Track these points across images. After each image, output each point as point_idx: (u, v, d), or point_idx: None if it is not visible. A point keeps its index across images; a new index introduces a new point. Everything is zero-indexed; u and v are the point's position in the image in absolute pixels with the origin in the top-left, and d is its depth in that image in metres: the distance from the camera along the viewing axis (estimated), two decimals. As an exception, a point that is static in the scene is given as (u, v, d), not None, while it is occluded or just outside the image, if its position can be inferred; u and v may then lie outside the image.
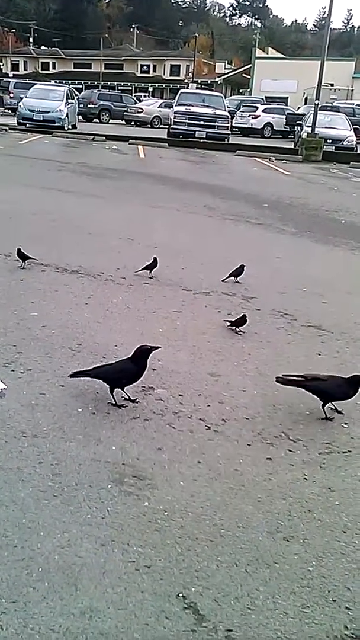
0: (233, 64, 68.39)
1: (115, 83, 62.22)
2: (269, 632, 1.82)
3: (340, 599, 1.97)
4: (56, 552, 2.04)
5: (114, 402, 3.05)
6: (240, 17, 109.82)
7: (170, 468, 2.57)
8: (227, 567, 2.06)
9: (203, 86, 48.94)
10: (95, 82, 58.75)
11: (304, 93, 34.93)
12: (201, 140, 19.84)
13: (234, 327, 4.20)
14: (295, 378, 3.20)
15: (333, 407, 3.14)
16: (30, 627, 1.76)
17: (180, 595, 1.93)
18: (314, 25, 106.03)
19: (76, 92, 27.74)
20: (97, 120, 31.77)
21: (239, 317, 4.18)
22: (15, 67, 69.04)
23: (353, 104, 30.52)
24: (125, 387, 3.11)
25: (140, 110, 32.56)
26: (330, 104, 26.44)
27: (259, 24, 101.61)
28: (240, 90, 54.84)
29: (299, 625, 1.86)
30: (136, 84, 64.29)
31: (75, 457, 2.57)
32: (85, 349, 3.67)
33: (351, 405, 3.27)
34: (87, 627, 1.78)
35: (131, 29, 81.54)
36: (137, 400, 3.11)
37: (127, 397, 3.11)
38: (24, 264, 5.17)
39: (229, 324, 4.22)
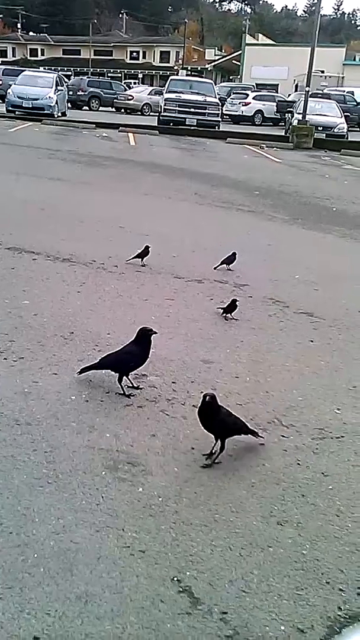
0: (223, 51, 67.67)
1: (105, 70, 61.64)
2: (264, 614, 1.84)
3: (333, 581, 1.99)
4: (51, 538, 2.05)
5: (122, 392, 3.02)
6: (230, 2, 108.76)
7: (164, 454, 2.58)
8: (222, 551, 2.08)
9: (193, 73, 48.54)
10: (85, 69, 58.16)
11: (295, 80, 34.66)
12: (192, 128, 19.69)
13: (225, 314, 4.20)
14: None
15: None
16: (27, 612, 1.77)
17: (175, 579, 1.94)
18: (304, 11, 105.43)
19: (65, 79, 27.39)
20: (87, 108, 31.42)
21: (229, 303, 4.18)
22: (3, 53, 68.08)
23: (344, 90, 30.41)
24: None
25: (130, 97, 32.27)
26: (321, 91, 26.33)
27: (248, 10, 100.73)
28: (231, 77, 54.38)
29: (293, 607, 1.88)
30: (126, 71, 63.66)
31: (69, 445, 2.57)
32: (77, 337, 3.66)
33: (343, 391, 3.30)
34: (82, 611, 1.79)
35: (120, 15, 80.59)
36: (140, 387, 3.10)
37: (132, 385, 3.10)
38: None
39: (221, 311, 4.23)
